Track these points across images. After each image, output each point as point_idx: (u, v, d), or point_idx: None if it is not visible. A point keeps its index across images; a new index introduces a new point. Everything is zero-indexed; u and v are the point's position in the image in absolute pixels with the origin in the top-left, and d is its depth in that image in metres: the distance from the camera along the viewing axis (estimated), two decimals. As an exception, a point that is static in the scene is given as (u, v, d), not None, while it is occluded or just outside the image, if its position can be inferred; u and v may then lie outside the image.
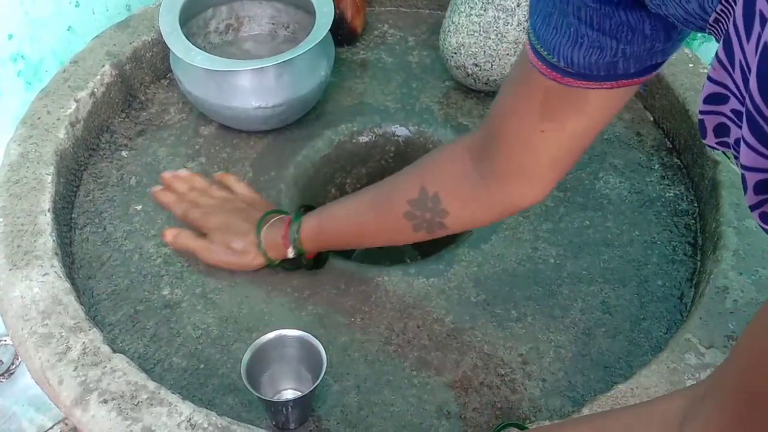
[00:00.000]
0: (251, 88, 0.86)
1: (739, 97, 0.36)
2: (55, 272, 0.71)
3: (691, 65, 0.94)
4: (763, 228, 0.36)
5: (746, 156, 0.34)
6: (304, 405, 0.65)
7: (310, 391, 0.62)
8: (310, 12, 0.91)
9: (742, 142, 0.34)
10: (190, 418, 0.60)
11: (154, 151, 0.91)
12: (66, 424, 1.30)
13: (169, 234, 0.78)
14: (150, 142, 0.92)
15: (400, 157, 0.97)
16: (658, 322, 0.76)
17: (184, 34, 0.86)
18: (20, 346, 0.67)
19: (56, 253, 0.73)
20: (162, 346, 0.72)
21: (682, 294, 0.78)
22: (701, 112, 0.40)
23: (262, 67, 0.85)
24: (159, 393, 0.62)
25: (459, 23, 0.92)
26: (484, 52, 0.91)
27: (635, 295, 0.78)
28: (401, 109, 0.97)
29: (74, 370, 0.63)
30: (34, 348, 0.65)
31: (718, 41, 0.40)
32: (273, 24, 1.01)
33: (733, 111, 0.37)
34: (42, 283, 0.70)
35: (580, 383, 0.71)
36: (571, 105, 0.54)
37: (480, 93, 1.00)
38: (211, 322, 0.74)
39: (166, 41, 0.85)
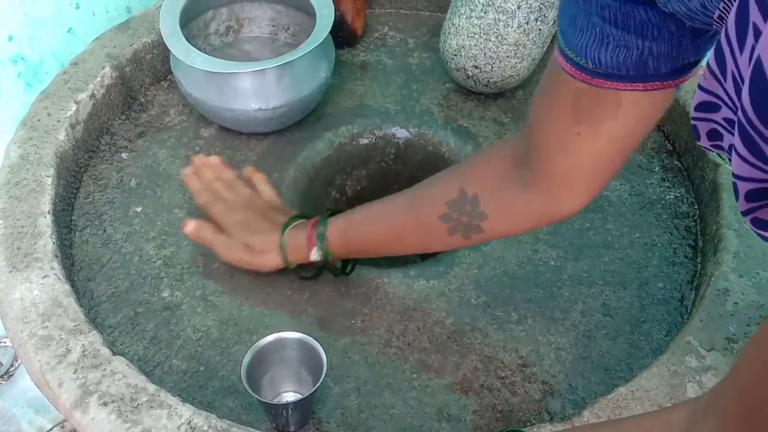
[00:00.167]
0: (252, 90, 0.86)
1: (731, 106, 0.36)
2: (55, 274, 0.71)
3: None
4: (756, 233, 0.36)
5: (738, 166, 0.34)
6: (305, 407, 0.65)
7: (311, 394, 0.62)
8: (311, 14, 0.91)
9: (734, 151, 0.34)
10: (190, 421, 0.60)
11: (154, 153, 0.91)
12: (63, 426, 1.30)
13: (190, 225, 0.77)
14: (150, 144, 0.92)
15: (400, 159, 0.97)
16: (659, 324, 0.76)
17: (185, 36, 0.86)
18: (20, 348, 0.67)
19: (56, 255, 0.73)
20: (162, 349, 0.72)
21: (683, 296, 0.78)
22: (693, 118, 0.40)
23: (262, 69, 0.85)
24: (159, 395, 0.62)
25: (459, 25, 0.92)
26: (485, 54, 0.91)
27: (636, 297, 0.78)
28: (401, 111, 0.97)
29: (74, 373, 0.63)
30: (33, 350, 0.65)
31: None
32: (273, 26, 1.01)
33: (725, 119, 0.37)
34: (42, 285, 0.70)
35: (580, 386, 0.70)
36: (604, 108, 0.53)
37: (480, 95, 1.00)
38: (211, 324, 0.74)
39: (166, 43, 0.85)
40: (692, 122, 0.41)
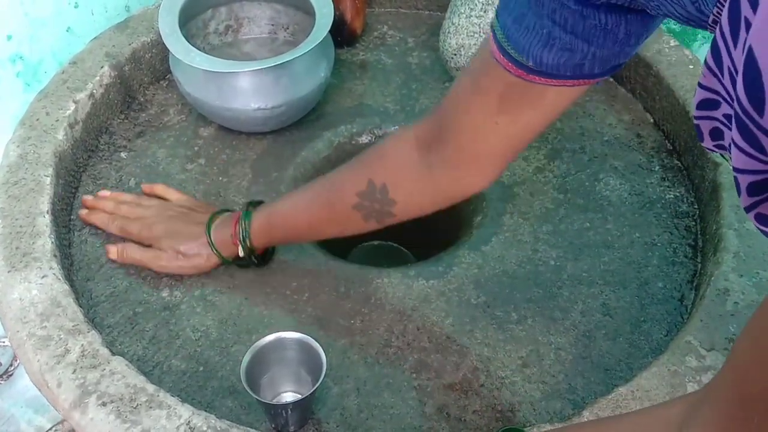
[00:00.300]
0: (251, 89, 0.86)
1: (729, 101, 0.36)
2: (54, 274, 0.71)
3: (691, 67, 0.94)
4: (760, 230, 0.36)
5: (737, 158, 0.34)
6: (304, 408, 0.65)
7: (310, 394, 0.62)
8: (310, 13, 0.90)
9: (732, 144, 0.34)
10: (189, 421, 0.60)
11: (154, 153, 0.91)
12: (62, 426, 1.30)
13: (113, 250, 0.78)
14: (149, 143, 0.92)
15: (399, 158, 0.97)
16: (659, 324, 0.76)
17: (184, 36, 0.86)
18: (19, 348, 0.67)
19: (55, 255, 0.73)
20: (161, 349, 0.72)
21: (683, 296, 0.78)
22: (695, 117, 0.41)
23: (261, 69, 0.84)
24: (158, 396, 0.62)
25: (459, 24, 0.92)
26: (484, 53, 0.91)
27: (635, 297, 0.78)
28: (401, 110, 0.97)
29: (73, 373, 0.63)
30: (32, 350, 0.65)
31: None
32: (272, 25, 1.01)
33: (725, 115, 0.37)
34: (41, 285, 0.69)
35: (580, 386, 0.70)
36: (528, 100, 0.55)
37: (480, 94, 0.99)
38: (210, 324, 0.74)
39: (165, 42, 0.85)
40: (695, 122, 0.41)
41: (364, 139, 0.95)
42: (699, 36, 1.23)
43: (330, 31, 0.88)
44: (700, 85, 0.38)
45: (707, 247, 0.81)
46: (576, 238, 0.83)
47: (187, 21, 0.92)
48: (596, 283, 0.79)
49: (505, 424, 0.67)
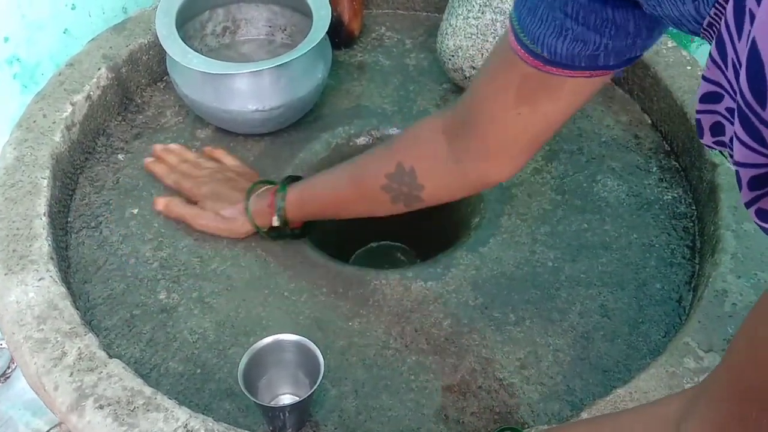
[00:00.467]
0: (248, 90, 0.86)
1: (732, 94, 0.36)
2: (51, 277, 0.70)
3: (689, 68, 0.94)
4: (759, 226, 0.36)
5: (739, 152, 0.34)
6: (302, 410, 0.65)
7: (308, 396, 0.62)
8: (307, 15, 0.90)
9: (734, 138, 0.34)
10: (186, 424, 0.60)
11: (151, 155, 0.90)
12: (60, 428, 1.30)
13: (161, 202, 0.82)
14: (146, 145, 0.92)
15: (397, 160, 0.97)
16: (657, 325, 0.76)
17: (181, 37, 0.86)
18: (15, 351, 0.66)
19: (52, 258, 0.72)
20: (158, 351, 0.72)
21: (681, 297, 0.78)
22: (698, 112, 0.41)
23: (259, 70, 0.84)
24: (155, 398, 0.61)
25: (456, 26, 0.92)
26: (482, 54, 0.91)
27: (633, 298, 0.78)
28: (398, 111, 0.97)
29: (70, 376, 0.63)
30: (29, 353, 0.65)
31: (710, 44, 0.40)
32: (270, 27, 1.01)
33: (727, 109, 0.38)
34: (37, 287, 0.69)
35: (578, 387, 0.70)
36: (548, 91, 0.56)
37: (477, 96, 0.99)
38: (207, 326, 0.74)
39: (162, 44, 0.85)
40: (697, 116, 0.41)
41: (362, 140, 0.95)
42: (696, 37, 1.23)
43: (327, 33, 0.88)
44: (704, 78, 0.39)
45: (705, 248, 0.81)
46: (574, 240, 0.83)
47: (184, 23, 0.92)
48: (594, 285, 0.79)
49: (502, 424, 0.67)
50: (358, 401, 0.68)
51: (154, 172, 0.86)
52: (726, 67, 0.36)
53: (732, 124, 0.37)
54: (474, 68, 0.93)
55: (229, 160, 0.87)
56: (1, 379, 1.32)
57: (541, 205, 0.86)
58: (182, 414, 0.60)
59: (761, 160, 0.33)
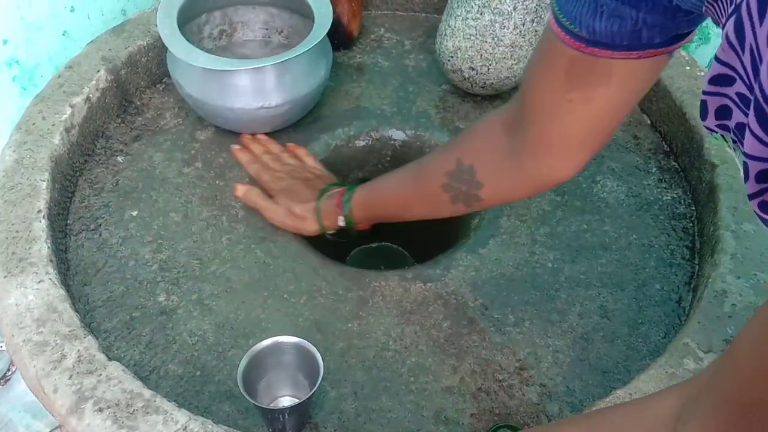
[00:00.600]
0: (253, 88, 0.86)
1: (746, 81, 0.36)
2: (50, 279, 0.70)
3: (688, 68, 0.94)
4: (760, 217, 0.36)
5: (751, 145, 0.34)
6: (301, 412, 0.65)
7: (307, 398, 0.62)
8: (305, 16, 0.90)
9: (747, 130, 0.34)
10: (186, 427, 0.60)
11: (150, 156, 0.90)
12: (60, 430, 1.30)
13: (241, 188, 0.85)
14: (146, 147, 0.92)
15: (396, 161, 0.97)
16: (657, 326, 0.76)
17: (180, 39, 0.86)
18: (15, 354, 0.66)
19: (51, 260, 0.72)
20: (158, 354, 0.72)
21: (680, 298, 0.78)
22: (705, 93, 0.40)
23: (263, 67, 0.84)
24: (155, 401, 0.61)
25: (455, 27, 0.92)
26: (481, 55, 0.91)
27: (633, 299, 0.78)
28: (398, 113, 0.97)
29: (69, 379, 0.63)
30: (29, 356, 0.65)
31: (716, 23, 0.39)
32: (266, 29, 1.01)
33: (738, 94, 0.37)
34: (37, 290, 0.69)
35: (578, 388, 0.70)
36: (596, 75, 0.54)
37: (476, 96, 0.99)
38: (207, 328, 0.74)
39: (166, 44, 0.85)
40: (703, 97, 0.40)
41: (361, 141, 0.95)
42: (695, 38, 1.23)
43: (327, 34, 0.88)
44: (717, 60, 0.38)
45: (704, 248, 0.81)
46: (573, 240, 0.83)
47: (181, 25, 0.91)
48: (594, 286, 0.79)
49: (498, 422, 0.67)
50: (357, 403, 0.68)
51: (239, 159, 0.89)
52: (743, 51, 0.35)
53: (741, 111, 0.37)
54: (473, 69, 0.93)
55: (309, 161, 0.89)
56: (1, 381, 1.32)
57: (540, 205, 0.86)
58: (182, 416, 0.60)
59: None
